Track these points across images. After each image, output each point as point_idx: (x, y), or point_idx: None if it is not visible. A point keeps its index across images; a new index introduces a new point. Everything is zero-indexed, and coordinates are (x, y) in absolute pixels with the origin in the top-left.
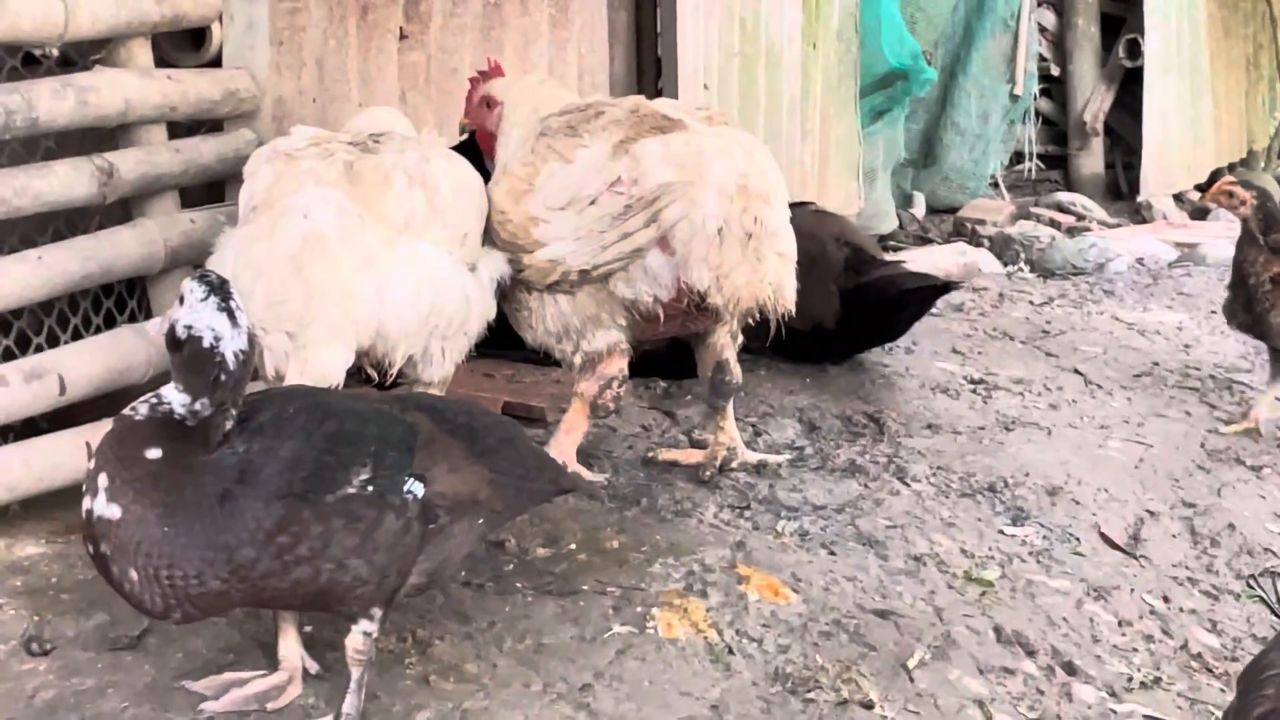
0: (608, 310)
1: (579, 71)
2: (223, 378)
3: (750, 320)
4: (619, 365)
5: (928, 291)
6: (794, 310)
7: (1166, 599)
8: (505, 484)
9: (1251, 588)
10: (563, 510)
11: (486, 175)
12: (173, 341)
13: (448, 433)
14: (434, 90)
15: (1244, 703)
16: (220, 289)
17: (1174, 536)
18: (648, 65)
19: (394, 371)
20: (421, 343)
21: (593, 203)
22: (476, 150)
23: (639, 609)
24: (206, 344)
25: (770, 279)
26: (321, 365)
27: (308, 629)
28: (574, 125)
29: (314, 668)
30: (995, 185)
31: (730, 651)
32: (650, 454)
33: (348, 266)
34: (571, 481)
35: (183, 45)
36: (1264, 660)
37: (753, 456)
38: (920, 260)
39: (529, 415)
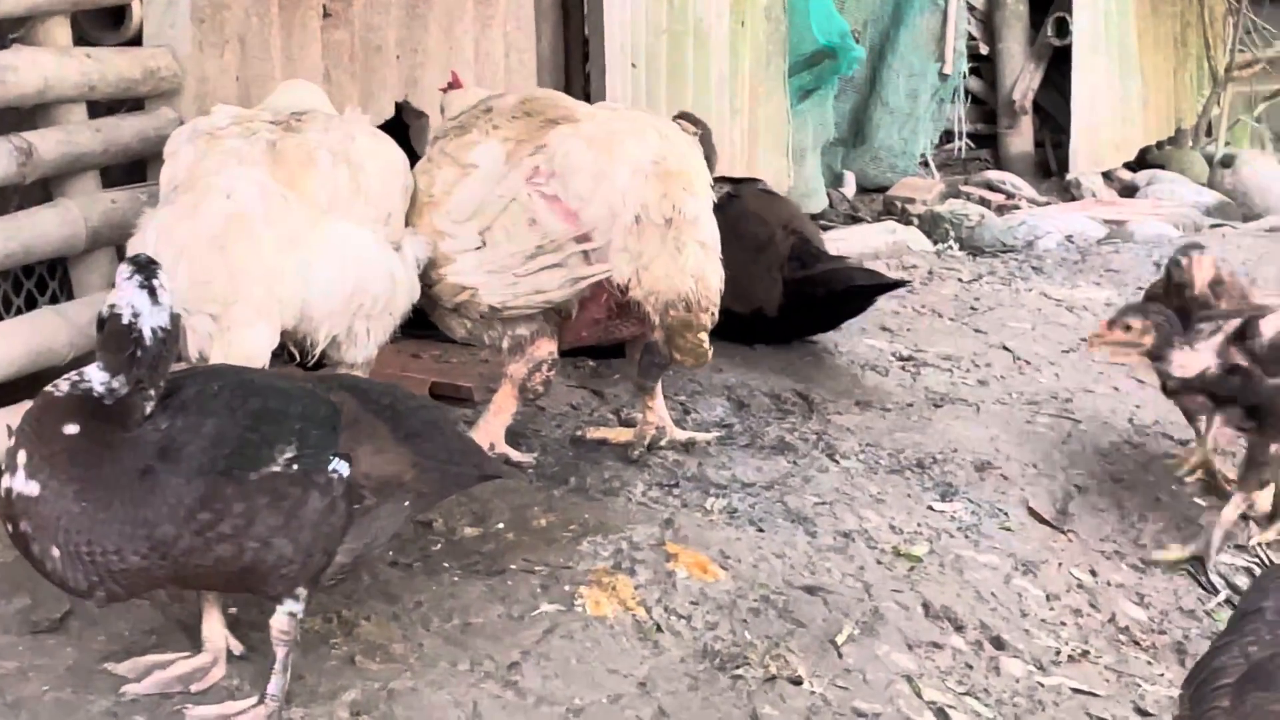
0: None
1: (505, 49)
2: (139, 354)
3: (673, 314)
4: (548, 348)
5: (875, 289)
6: (718, 301)
7: (1094, 573)
8: (430, 467)
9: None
10: (490, 489)
11: (412, 154)
12: (99, 321)
13: (372, 414)
14: (358, 68)
15: (1195, 713)
16: (145, 268)
17: (1102, 511)
18: (575, 44)
19: (317, 352)
20: (346, 323)
21: (505, 210)
22: (402, 128)
23: (567, 587)
24: (125, 320)
25: (691, 269)
26: (246, 346)
27: (232, 610)
28: (463, 124)
29: (238, 649)
30: (925, 164)
31: (658, 629)
32: (579, 433)
33: (271, 247)
34: (496, 468)
35: (102, 23)
36: (1212, 665)
37: (681, 434)
38: (851, 239)
39: (457, 395)
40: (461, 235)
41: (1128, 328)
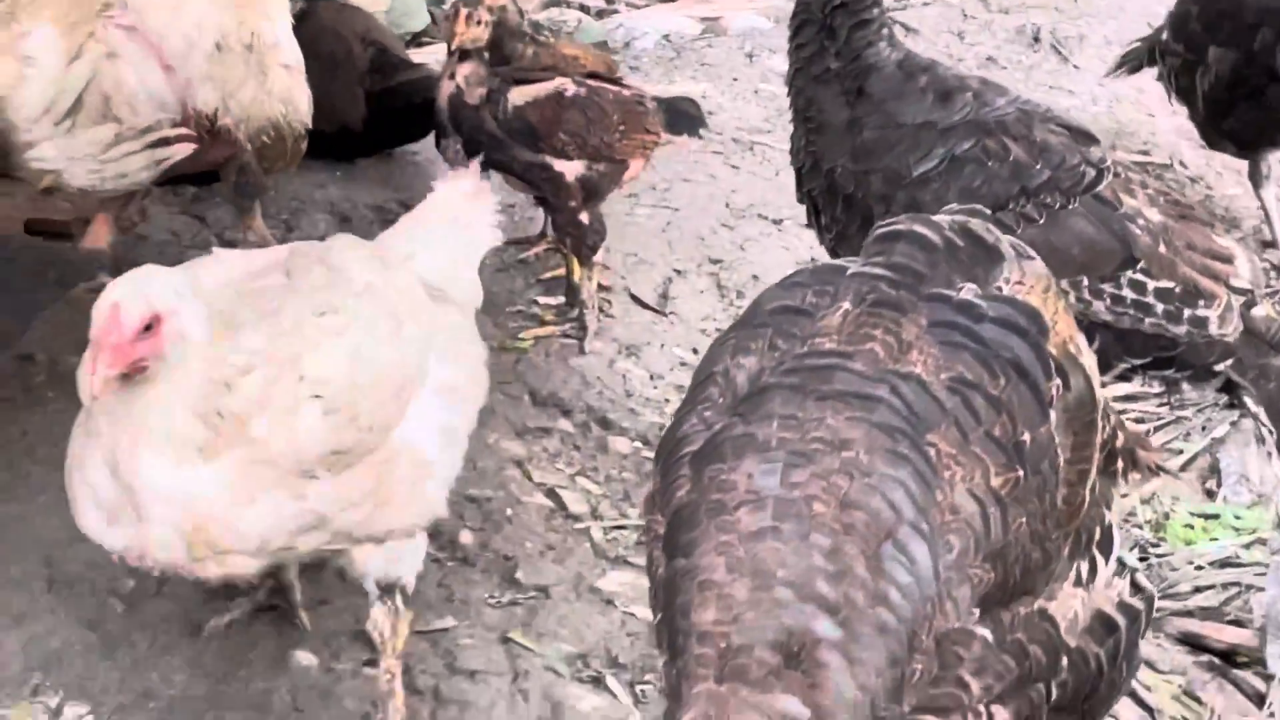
0: None
1: None
2: None
3: (266, 139)
4: None
5: None
6: (310, 121)
7: (695, 350)
8: None
9: None
10: None
11: None
12: None
13: None
14: None
15: (665, 485)
16: None
17: (701, 292)
18: None
19: None
20: None
21: (79, 101)
22: None
23: None
24: None
25: (279, 93)
26: None
27: None
28: (11, 10)
29: None
30: None
31: None
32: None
33: None
34: None
35: None
36: (677, 434)
37: None
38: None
39: (54, 230)
40: (36, 130)
41: (478, 21)
